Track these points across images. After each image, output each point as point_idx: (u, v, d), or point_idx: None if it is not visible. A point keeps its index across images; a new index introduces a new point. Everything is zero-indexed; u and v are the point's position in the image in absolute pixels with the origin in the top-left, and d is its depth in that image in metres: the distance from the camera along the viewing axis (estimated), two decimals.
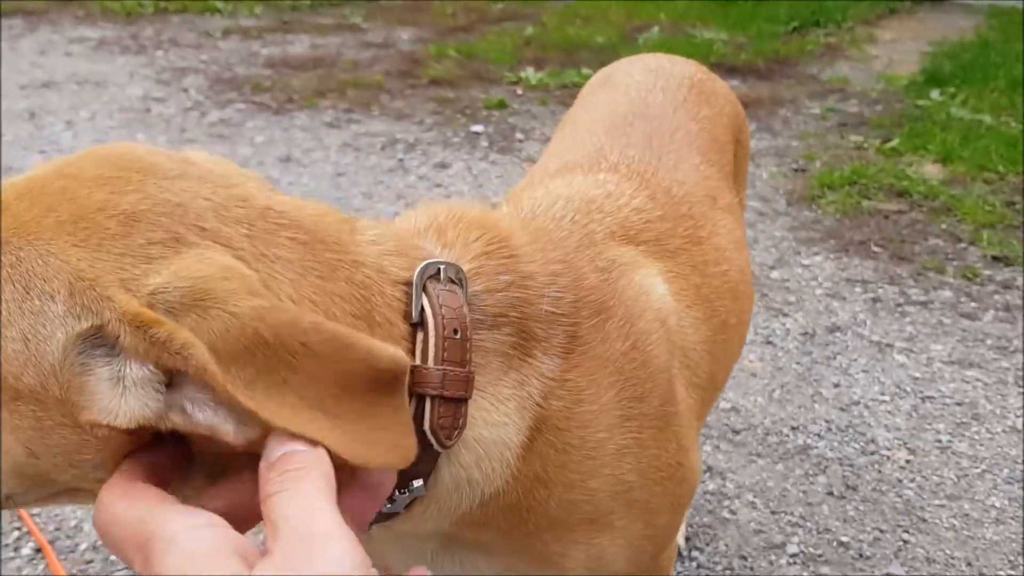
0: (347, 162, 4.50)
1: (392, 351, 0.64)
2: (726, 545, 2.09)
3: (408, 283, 0.78)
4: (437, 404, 0.76)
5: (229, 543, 0.52)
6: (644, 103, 1.51)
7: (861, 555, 2.06)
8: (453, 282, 0.81)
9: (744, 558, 2.06)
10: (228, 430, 0.60)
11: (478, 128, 4.91)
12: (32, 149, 4.72)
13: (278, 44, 6.97)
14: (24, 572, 2.00)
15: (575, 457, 0.91)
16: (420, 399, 0.75)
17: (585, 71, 5.70)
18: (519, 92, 5.53)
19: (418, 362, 0.76)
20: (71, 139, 4.87)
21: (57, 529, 2.13)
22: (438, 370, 0.75)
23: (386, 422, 0.63)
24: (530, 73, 5.77)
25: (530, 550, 0.96)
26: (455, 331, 0.77)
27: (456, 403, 0.77)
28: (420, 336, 0.76)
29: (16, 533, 2.11)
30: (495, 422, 0.83)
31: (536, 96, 5.43)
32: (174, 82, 5.92)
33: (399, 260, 0.79)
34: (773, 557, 2.06)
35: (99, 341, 0.62)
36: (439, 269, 0.80)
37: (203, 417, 0.60)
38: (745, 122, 1.84)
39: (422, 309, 0.77)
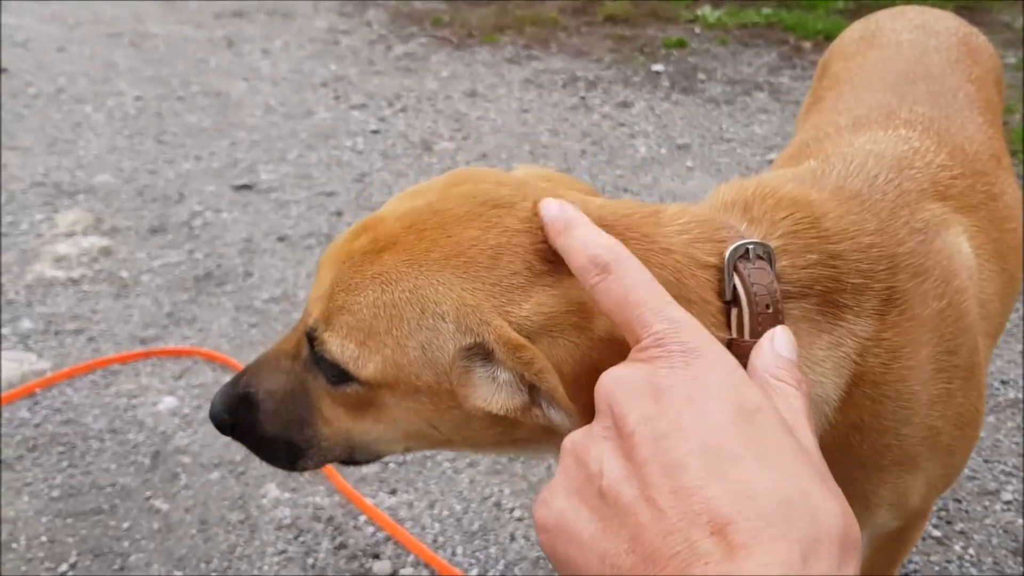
0: (530, 98, 4.62)
1: None
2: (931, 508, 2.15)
3: (718, 267, 0.85)
4: None
5: None
6: (922, 63, 1.54)
7: None
8: (761, 258, 0.86)
9: (959, 501, 2.11)
10: (570, 429, 0.78)
11: (658, 67, 4.92)
12: (235, 76, 5.04)
13: None
14: None
15: (890, 407, 0.98)
16: None
17: (765, 10, 5.59)
18: (697, 31, 5.48)
19: (734, 335, 0.83)
20: (269, 67, 5.16)
21: None
22: (755, 343, 0.82)
23: None
24: (707, 11, 5.70)
25: (840, 487, 1.08)
26: (767, 306, 0.82)
27: None
28: (735, 312, 0.83)
29: None
30: (811, 382, 0.90)
31: (715, 35, 5.38)
32: (357, 15, 6.15)
33: (706, 246, 0.86)
34: (987, 502, 2.11)
35: (478, 351, 0.79)
36: (747, 249, 0.85)
37: (555, 416, 0.78)
38: (1003, 76, 1.84)
39: (735, 288, 0.84)
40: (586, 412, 0.73)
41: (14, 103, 4.55)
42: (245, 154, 4.02)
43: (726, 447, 0.54)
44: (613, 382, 0.61)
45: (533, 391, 0.78)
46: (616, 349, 0.71)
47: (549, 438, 0.86)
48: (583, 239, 0.73)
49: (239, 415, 0.96)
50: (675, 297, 0.80)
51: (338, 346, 0.83)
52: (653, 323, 0.63)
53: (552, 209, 0.78)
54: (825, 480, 0.56)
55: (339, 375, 0.86)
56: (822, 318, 0.92)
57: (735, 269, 0.85)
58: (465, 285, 0.79)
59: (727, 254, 0.85)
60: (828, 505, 0.53)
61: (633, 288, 0.66)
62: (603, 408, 0.62)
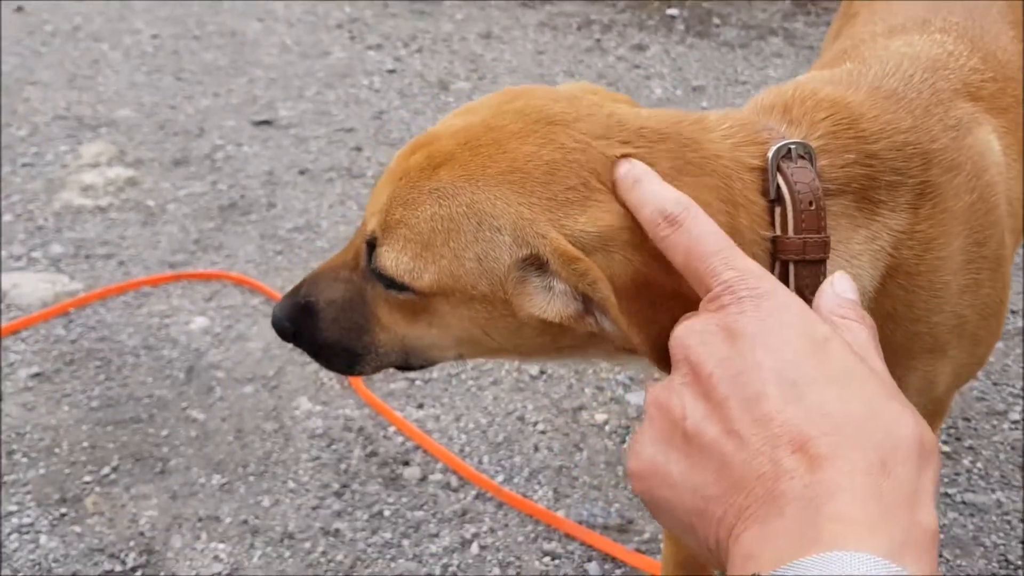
0: (545, 40, 4.63)
1: None
2: (950, 407, 2.22)
3: (762, 168, 0.89)
4: (799, 268, 0.87)
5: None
6: None
7: None
8: (803, 157, 0.90)
9: (968, 420, 2.19)
10: (620, 338, 0.81)
11: (673, 11, 4.92)
12: (250, 16, 5.04)
13: None
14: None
15: (922, 296, 1.03)
16: (784, 264, 0.87)
17: None
18: None
19: (778, 232, 0.87)
20: (283, 8, 5.15)
21: None
22: (799, 238, 0.86)
23: None
24: None
25: None
26: (810, 203, 0.87)
27: (816, 264, 0.87)
28: (779, 210, 0.87)
29: None
30: (850, 275, 0.96)
31: None
32: None
33: (750, 148, 0.90)
34: (995, 422, 2.19)
35: (533, 262, 0.83)
36: (789, 149, 0.89)
37: (607, 325, 0.81)
38: None
39: (778, 187, 0.88)
40: (636, 323, 0.77)
41: (31, 40, 4.56)
42: (263, 91, 4.05)
43: (800, 375, 0.57)
44: (687, 332, 0.64)
45: (587, 300, 0.82)
46: (667, 266, 0.75)
47: (596, 344, 0.91)
48: (652, 193, 0.76)
49: (300, 323, 1.00)
50: (723, 200, 0.86)
51: (395, 257, 0.88)
52: (722, 272, 0.65)
53: (622, 167, 0.82)
54: (897, 396, 0.58)
55: (396, 283, 0.90)
56: (859, 214, 0.96)
57: (778, 168, 0.89)
58: (521, 199, 0.82)
59: (770, 155, 0.89)
60: (902, 417, 0.56)
61: (701, 240, 0.68)
62: (679, 358, 0.64)
